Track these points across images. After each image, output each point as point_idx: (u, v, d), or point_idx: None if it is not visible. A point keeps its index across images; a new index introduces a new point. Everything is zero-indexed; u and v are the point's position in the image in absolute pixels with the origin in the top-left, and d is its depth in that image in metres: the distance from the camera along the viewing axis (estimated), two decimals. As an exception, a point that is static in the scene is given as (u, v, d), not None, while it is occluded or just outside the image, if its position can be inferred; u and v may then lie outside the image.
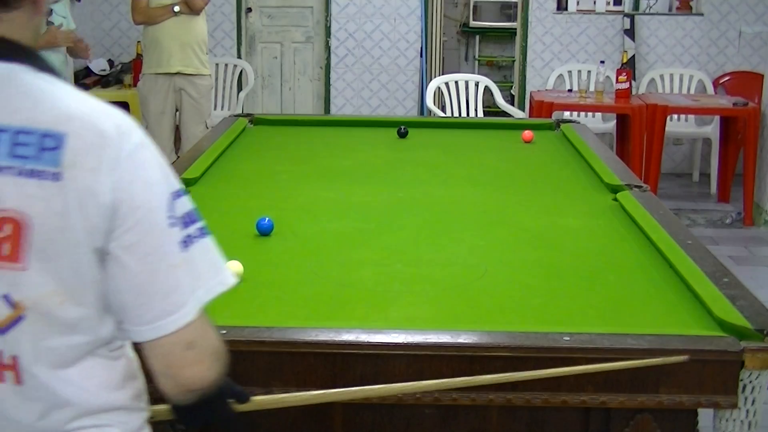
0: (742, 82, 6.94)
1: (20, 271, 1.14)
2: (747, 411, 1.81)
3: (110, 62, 6.77)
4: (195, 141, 4.44)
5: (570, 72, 7.10)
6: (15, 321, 1.15)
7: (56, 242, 1.13)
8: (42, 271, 1.14)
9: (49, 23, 4.92)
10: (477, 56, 9.32)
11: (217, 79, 6.88)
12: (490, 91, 6.73)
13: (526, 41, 7.22)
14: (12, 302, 1.15)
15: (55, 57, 4.62)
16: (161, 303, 1.19)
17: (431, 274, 2.27)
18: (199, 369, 1.23)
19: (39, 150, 1.13)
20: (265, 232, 2.54)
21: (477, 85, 6.71)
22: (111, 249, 1.16)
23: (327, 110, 7.37)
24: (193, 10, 5.25)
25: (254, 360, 1.81)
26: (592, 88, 6.21)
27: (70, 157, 1.13)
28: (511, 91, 7.99)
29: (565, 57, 7.20)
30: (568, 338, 1.80)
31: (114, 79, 6.53)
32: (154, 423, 1.36)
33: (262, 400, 1.53)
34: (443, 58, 7.85)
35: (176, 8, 5.19)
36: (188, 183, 3.07)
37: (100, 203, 1.14)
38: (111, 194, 1.14)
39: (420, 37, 7.31)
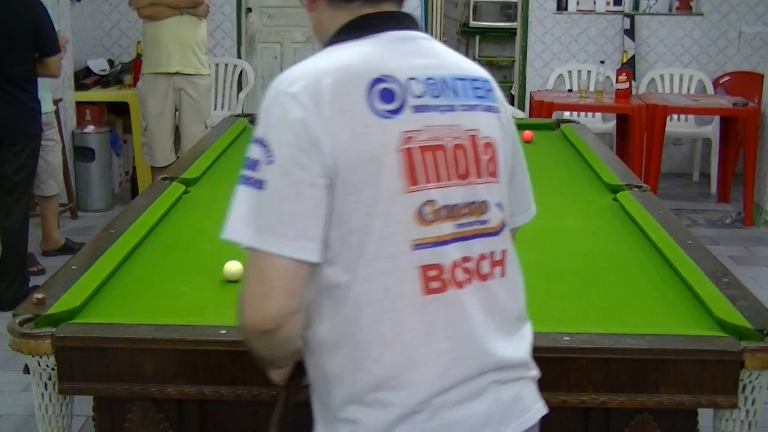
0: (742, 82, 6.94)
1: (499, 184, 1.44)
2: (747, 411, 1.81)
3: (110, 62, 6.77)
4: (195, 141, 4.45)
5: (570, 72, 7.10)
6: (504, 224, 1.45)
7: (505, 159, 1.46)
8: (504, 183, 1.46)
9: None
10: (477, 56, 9.32)
11: (217, 79, 6.88)
12: (490, 91, 6.72)
13: (526, 41, 7.22)
14: (502, 208, 1.44)
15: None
16: (528, 197, 1.60)
17: (431, 274, 2.26)
18: None
19: (486, 91, 1.46)
20: (265, 232, 2.54)
21: (477, 85, 6.70)
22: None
23: (327, 110, 7.36)
24: (197, 13, 5.30)
25: (254, 360, 1.80)
26: (592, 88, 6.20)
27: (497, 94, 1.49)
28: (511, 91, 7.99)
29: (565, 57, 7.20)
30: (568, 338, 1.80)
31: (114, 79, 6.52)
32: None
33: None
34: (443, 58, 7.83)
35: None
36: (188, 183, 3.08)
37: (511, 128, 1.51)
38: (507, 118, 1.50)
39: (420, 37, 7.29)
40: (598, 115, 6.79)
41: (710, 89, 6.95)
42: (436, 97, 1.38)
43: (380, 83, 1.34)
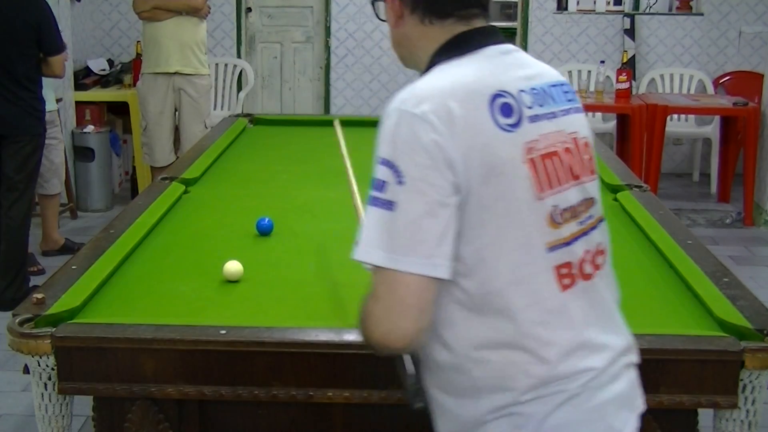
0: (742, 82, 6.94)
1: (596, 180, 1.54)
2: (747, 411, 1.81)
3: (110, 62, 6.76)
4: (194, 141, 4.45)
5: (570, 72, 7.09)
6: (603, 216, 1.54)
7: (594, 156, 1.55)
8: (598, 178, 1.56)
9: None
10: (477, 56, 9.31)
11: (216, 79, 6.87)
12: (490, 91, 6.72)
13: (526, 41, 7.22)
14: (600, 201, 1.53)
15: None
16: None
17: (431, 274, 2.26)
18: None
19: (572, 94, 1.56)
20: (265, 232, 2.54)
21: (477, 85, 6.70)
22: None
23: (327, 110, 7.37)
24: (198, 15, 5.30)
25: (254, 360, 1.81)
26: (592, 88, 6.20)
27: (576, 97, 1.58)
28: (511, 91, 7.99)
29: (565, 57, 7.20)
30: (568, 338, 1.80)
31: (114, 78, 6.52)
32: None
33: None
34: (443, 58, 7.84)
35: None
36: (188, 183, 3.08)
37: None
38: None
39: (420, 37, 7.29)
40: (598, 115, 6.79)
41: (710, 89, 6.95)
42: (541, 106, 1.46)
43: (499, 98, 1.40)
